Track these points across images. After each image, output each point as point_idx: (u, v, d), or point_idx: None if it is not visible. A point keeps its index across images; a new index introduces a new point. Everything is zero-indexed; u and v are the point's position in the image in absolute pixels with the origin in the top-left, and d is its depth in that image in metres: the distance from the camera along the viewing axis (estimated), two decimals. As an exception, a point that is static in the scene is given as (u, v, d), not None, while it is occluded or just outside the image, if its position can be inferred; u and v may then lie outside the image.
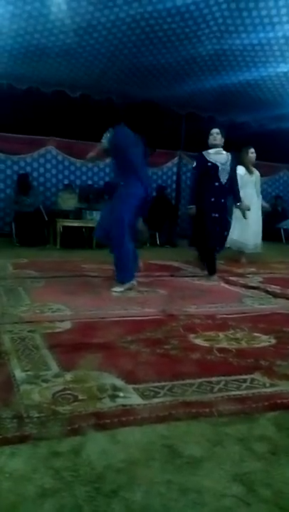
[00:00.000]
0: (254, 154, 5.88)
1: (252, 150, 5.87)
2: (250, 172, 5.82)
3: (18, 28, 5.66)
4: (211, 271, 4.60)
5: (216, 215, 4.46)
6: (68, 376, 1.85)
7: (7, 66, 6.93)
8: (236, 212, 5.74)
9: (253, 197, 5.77)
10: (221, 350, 2.27)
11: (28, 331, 2.46)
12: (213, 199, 4.44)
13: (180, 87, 7.63)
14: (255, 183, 5.91)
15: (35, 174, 8.96)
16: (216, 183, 4.45)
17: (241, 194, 5.62)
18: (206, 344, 2.37)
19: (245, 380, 1.87)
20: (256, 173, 5.95)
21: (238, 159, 5.85)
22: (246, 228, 5.71)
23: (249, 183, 5.75)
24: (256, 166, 6.02)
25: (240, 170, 5.71)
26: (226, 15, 5.37)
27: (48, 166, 9.14)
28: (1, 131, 8.36)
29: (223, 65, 6.80)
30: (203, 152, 4.55)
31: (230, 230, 5.73)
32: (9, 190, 8.66)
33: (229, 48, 6.21)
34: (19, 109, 7.73)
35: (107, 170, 9.49)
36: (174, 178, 10.24)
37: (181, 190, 10.05)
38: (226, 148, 4.54)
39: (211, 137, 4.53)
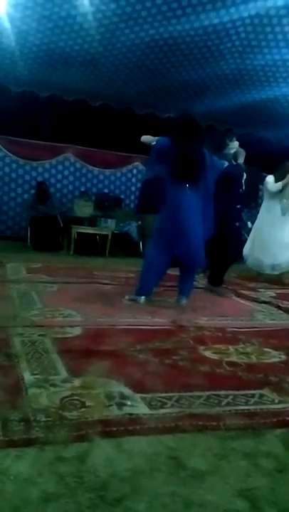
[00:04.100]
0: None
1: None
2: (284, 186, 5.24)
3: (43, 36, 5.77)
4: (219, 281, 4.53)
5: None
6: (77, 382, 1.85)
7: (30, 73, 7.05)
8: (255, 230, 5.54)
9: (277, 213, 5.32)
10: (231, 363, 2.26)
11: (39, 335, 2.47)
12: (239, 206, 4.43)
13: (201, 101, 7.67)
14: (284, 197, 5.29)
15: (52, 180, 9.05)
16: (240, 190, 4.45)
17: (264, 207, 5.41)
18: (215, 357, 2.35)
19: (253, 395, 1.85)
20: None
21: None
22: (266, 247, 5.30)
23: (276, 197, 5.31)
24: None
25: (270, 178, 5.34)
26: (248, 30, 5.41)
27: (66, 172, 9.23)
28: (21, 137, 8.49)
29: (244, 80, 6.83)
30: None
31: (249, 247, 5.55)
32: (27, 195, 8.76)
33: (251, 63, 6.24)
34: (40, 116, 7.83)
35: (124, 179, 9.56)
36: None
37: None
38: (245, 162, 4.51)
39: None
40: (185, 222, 3.52)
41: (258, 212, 5.73)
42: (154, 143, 3.63)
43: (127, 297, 3.67)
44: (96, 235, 7.79)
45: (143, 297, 3.62)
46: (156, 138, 3.65)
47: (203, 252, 3.64)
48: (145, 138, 3.71)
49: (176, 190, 3.55)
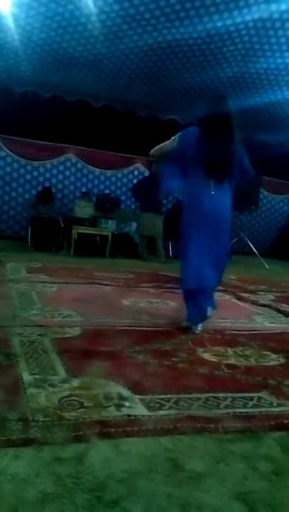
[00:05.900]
0: None
1: None
2: None
3: (47, 36, 5.78)
4: None
5: None
6: (75, 382, 1.85)
7: (33, 74, 7.07)
8: None
9: None
10: (229, 366, 2.26)
11: (38, 335, 2.48)
12: None
13: (203, 104, 7.67)
14: None
15: (54, 181, 9.06)
16: None
17: None
18: (214, 359, 2.35)
19: (252, 398, 1.85)
20: None
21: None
22: None
23: None
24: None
25: None
26: (251, 34, 5.42)
27: (67, 173, 9.23)
28: (23, 137, 8.50)
29: (247, 83, 6.84)
30: None
31: None
32: (28, 195, 8.77)
33: (253, 67, 6.25)
34: (42, 116, 7.85)
35: (125, 180, 9.56)
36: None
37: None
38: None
39: None
40: (209, 234, 2.86)
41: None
42: (176, 137, 2.98)
43: (184, 324, 2.97)
44: (96, 235, 7.80)
45: (200, 325, 2.92)
46: (174, 137, 3.00)
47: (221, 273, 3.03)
48: (155, 148, 3.07)
49: (199, 189, 2.87)
